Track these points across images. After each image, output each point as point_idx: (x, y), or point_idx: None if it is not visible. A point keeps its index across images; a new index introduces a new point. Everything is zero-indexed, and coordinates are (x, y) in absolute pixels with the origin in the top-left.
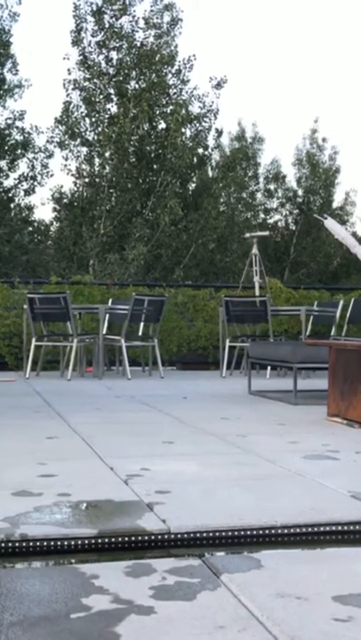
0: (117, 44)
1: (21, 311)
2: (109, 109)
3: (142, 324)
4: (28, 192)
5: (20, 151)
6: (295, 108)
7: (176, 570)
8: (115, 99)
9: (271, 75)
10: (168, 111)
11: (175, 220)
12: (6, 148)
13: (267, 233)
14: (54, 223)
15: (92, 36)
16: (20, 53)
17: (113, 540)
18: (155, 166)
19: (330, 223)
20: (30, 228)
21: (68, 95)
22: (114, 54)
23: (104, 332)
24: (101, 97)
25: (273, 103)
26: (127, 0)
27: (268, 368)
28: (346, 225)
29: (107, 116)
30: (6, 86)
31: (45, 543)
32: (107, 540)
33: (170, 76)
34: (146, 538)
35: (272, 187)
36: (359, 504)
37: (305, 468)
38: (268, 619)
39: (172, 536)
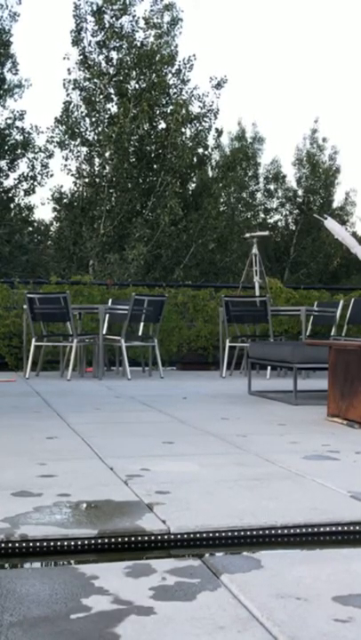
0: (117, 44)
1: (21, 311)
2: (109, 109)
3: (142, 324)
4: (27, 192)
5: (20, 151)
6: (295, 108)
7: (176, 570)
8: (115, 98)
9: (271, 75)
10: (168, 111)
11: (175, 219)
12: (6, 147)
13: (267, 233)
14: (54, 223)
15: (92, 35)
16: (20, 53)
17: (113, 540)
18: (155, 166)
19: (330, 223)
20: (30, 228)
21: (68, 95)
22: (114, 54)
23: (104, 332)
24: (101, 97)
25: (273, 103)
26: (127, 0)
27: (268, 368)
28: (346, 225)
29: (107, 115)
30: (6, 86)
31: (45, 543)
32: (107, 541)
33: (170, 75)
34: (146, 538)
35: (272, 187)
36: (359, 504)
37: (305, 468)
38: (268, 619)
39: (172, 536)
